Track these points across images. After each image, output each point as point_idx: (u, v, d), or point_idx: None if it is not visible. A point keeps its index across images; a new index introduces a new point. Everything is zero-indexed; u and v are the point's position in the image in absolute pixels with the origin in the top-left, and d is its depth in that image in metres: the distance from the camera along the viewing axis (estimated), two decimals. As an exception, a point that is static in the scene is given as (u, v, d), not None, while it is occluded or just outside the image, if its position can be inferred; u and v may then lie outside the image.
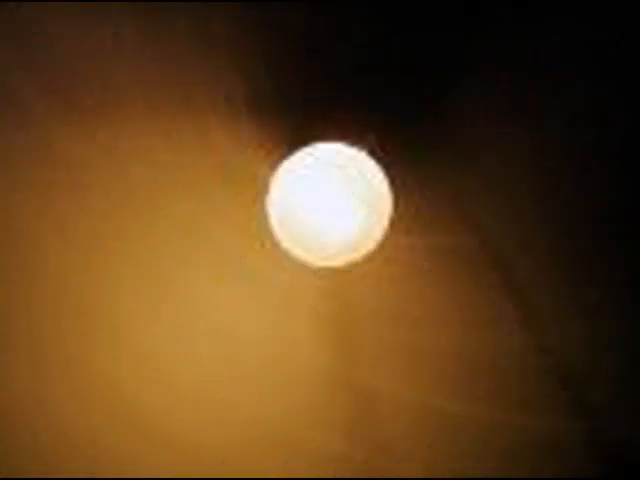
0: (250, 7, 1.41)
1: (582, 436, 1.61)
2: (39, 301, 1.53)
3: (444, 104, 1.47)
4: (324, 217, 1.39)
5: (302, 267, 1.47)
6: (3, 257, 1.50)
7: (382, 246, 1.44)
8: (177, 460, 1.61)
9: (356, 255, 1.43)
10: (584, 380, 1.60)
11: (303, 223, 1.40)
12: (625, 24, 1.44)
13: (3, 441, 1.58)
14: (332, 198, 1.39)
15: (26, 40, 1.41)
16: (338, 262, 1.44)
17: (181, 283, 1.54)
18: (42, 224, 1.49)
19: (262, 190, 1.43)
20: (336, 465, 1.64)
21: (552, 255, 1.55)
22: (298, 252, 1.43)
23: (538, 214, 1.53)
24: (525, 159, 1.51)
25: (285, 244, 1.43)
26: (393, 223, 1.43)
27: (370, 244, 1.43)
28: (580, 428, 1.61)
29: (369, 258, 1.45)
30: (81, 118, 1.44)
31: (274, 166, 1.43)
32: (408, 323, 1.58)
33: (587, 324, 1.57)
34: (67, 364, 1.55)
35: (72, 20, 1.40)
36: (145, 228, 1.51)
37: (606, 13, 1.43)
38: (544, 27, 1.45)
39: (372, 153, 1.43)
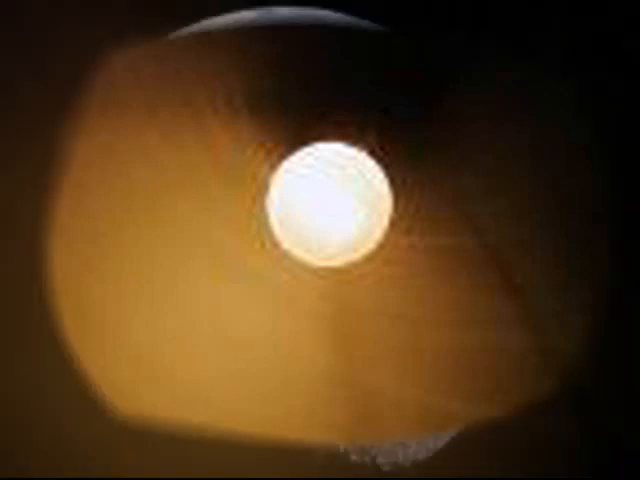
0: (250, 7, 1.41)
1: (582, 436, 1.61)
2: (39, 301, 1.53)
3: (444, 104, 1.47)
4: (324, 217, 1.39)
5: (302, 267, 1.47)
6: (3, 257, 1.50)
7: (382, 246, 1.44)
8: (177, 460, 1.61)
9: (356, 255, 1.43)
10: (584, 380, 1.60)
11: (303, 223, 1.40)
12: (625, 23, 1.44)
13: (3, 441, 1.58)
14: (332, 198, 1.39)
15: (26, 40, 1.41)
16: (338, 262, 1.44)
17: (181, 283, 1.54)
18: (42, 224, 1.49)
19: (262, 190, 1.43)
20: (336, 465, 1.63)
21: (552, 255, 1.55)
22: (298, 252, 1.43)
23: (538, 214, 1.53)
24: (525, 159, 1.51)
25: (285, 244, 1.43)
26: (393, 223, 1.43)
27: (370, 244, 1.43)
28: (580, 427, 1.61)
29: (369, 258, 1.44)
30: (81, 118, 1.44)
31: (274, 166, 1.43)
32: (408, 323, 1.57)
33: (587, 324, 1.57)
34: (67, 364, 1.55)
35: (72, 20, 1.40)
36: (145, 228, 1.51)
37: (606, 12, 1.43)
38: (544, 26, 1.44)
39: (372, 153, 1.43)
